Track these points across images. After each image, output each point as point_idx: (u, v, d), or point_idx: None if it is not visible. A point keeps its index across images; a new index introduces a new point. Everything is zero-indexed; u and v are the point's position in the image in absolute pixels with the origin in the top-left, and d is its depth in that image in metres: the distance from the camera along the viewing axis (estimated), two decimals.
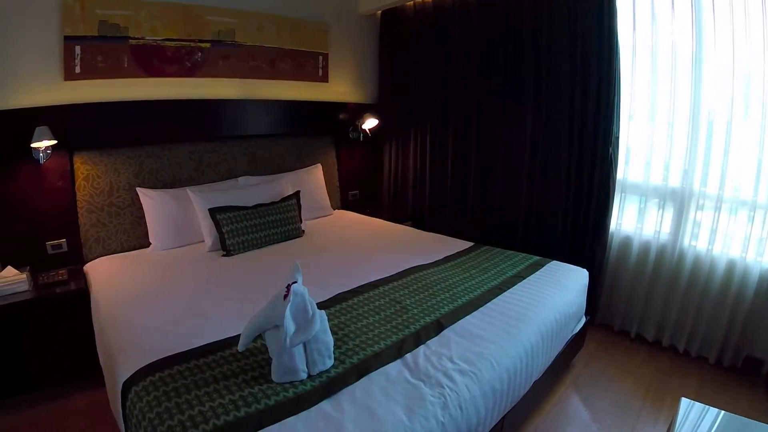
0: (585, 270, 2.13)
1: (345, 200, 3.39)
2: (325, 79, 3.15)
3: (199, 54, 2.50)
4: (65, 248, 2.14)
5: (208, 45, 2.52)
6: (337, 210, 3.22)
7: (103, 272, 2.01)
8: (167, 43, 2.37)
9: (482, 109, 2.88)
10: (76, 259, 2.16)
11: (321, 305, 1.59)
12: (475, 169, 2.98)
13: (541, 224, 2.68)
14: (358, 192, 3.49)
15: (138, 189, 2.26)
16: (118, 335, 1.49)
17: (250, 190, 2.52)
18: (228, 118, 2.63)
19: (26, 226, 2.02)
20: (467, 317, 1.61)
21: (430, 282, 1.89)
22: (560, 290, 1.88)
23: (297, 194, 2.62)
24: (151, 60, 2.33)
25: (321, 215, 2.98)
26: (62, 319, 1.86)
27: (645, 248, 2.38)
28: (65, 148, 2.06)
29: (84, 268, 2.12)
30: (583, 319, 2.10)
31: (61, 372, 1.89)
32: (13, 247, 1.99)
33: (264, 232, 2.33)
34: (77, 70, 2.09)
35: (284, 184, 2.68)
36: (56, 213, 2.10)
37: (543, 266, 2.10)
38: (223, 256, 2.20)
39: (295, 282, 1.25)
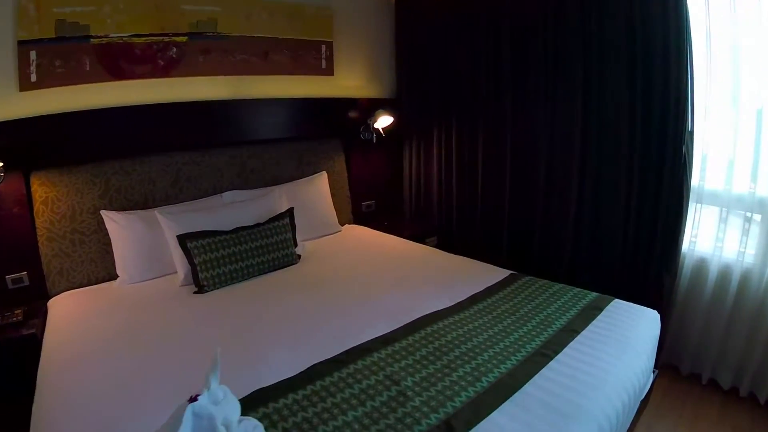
0: (655, 312, 1.87)
1: (358, 213, 3.28)
2: (329, 71, 3.05)
3: (175, 50, 2.46)
4: (27, 282, 2.13)
5: (184, 39, 2.47)
6: (347, 225, 3.12)
7: (61, 313, 1.97)
8: (136, 39, 2.32)
9: (517, 104, 2.70)
10: (40, 293, 2.15)
11: (286, 385, 1.38)
12: (512, 176, 2.78)
13: (596, 244, 2.49)
14: (373, 203, 3.38)
15: (102, 212, 2.23)
16: (48, 405, 1.37)
17: (237, 209, 2.45)
18: (210, 123, 2.56)
19: None
20: (493, 414, 1.26)
21: (447, 342, 1.61)
22: (627, 352, 1.58)
23: (290, 212, 2.51)
24: (118, 60, 2.30)
25: (327, 233, 2.88)
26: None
27: (725, 274, 2.20)
28: (20, 168, 2.06)
29: (48, 303, 2.10)
30: (651, 378, 1.83)
31: None
32: None
33: (245, 262, 2.23)
34: (33, 78, 2.08)
35: (278, 199, 2.60)
36: (14, 243, 2.09)
37: (602, 309, 1.84)
38: (195, 293, 2.11)
39: (201, 394, 0.95)
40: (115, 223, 2.24)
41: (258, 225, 2.36)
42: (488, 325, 1.77)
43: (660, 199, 2.22)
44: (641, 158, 2.25)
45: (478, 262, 2.45)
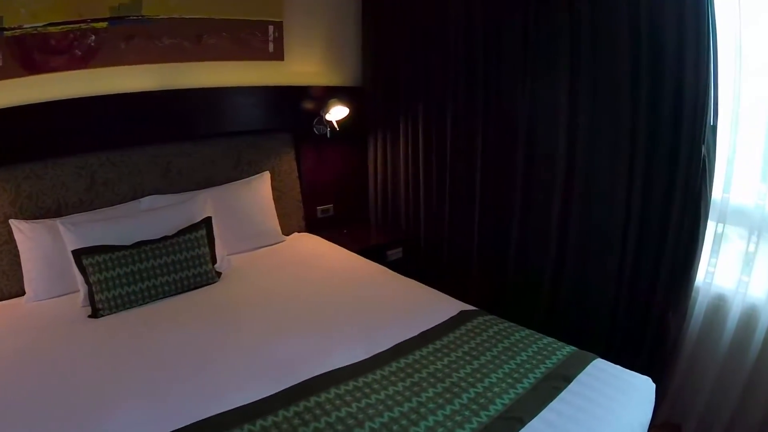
0: (648, 381, 1.67)
1: (312, 219, 3.34)
2: (278, 56, 3.07)
3: (93, 38, 2.52)
4: None
5: (104, 24, 2.52)
6: (295, 234, 3.19)
7: None
8: (51, 29, 2.40)
9: (491, 93, 2.63)
10: None
11: None
12: (482, 183, 2.75)
13: (584, 271, 2.37)
14: (331, 207, 3.42)
15: (11, 221, 2.35)
16: None
17: (152, 218, 2.53)
18: (130, 118, 2.63)
19: None
20: None
21: (331, 424, 1.40)
22: None
23: (206, 222, 2.57)
24: (32, 53, 2.38)
25: (265, 245, 2.95)
26: None
27: (750, 317, 2.01)
28: None
29: None
30: None
31: None
32: None
33: (147, 283, 2.29)
34: None
35: (202, 206, 2.66)
36: None
37: (572, 378, 1.62)
38: (90, 317, 2.19)
39: None
40: (22, 233, 2.35)
41: (165, 238, 2.42)
42: (398, 398, 1.53)
43: (669, 215, 2.04)
44: (646, 160, 2.08)
45: (431, 290, 2.40)
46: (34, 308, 2.34)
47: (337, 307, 2.24)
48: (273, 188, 3.11)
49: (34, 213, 2.49)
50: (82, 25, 2.51)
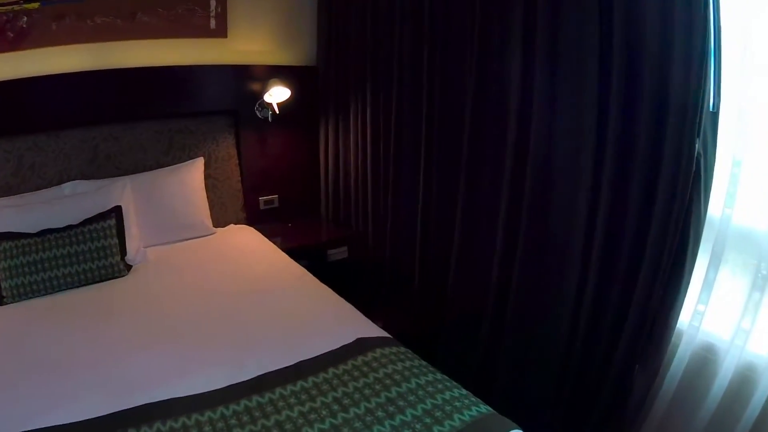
0: None
1: (254, 210, 3.57)
2: (221, 32, 3.27)
3: (25, 19, 2.83)
4: None
5: (36, 5, 2.82)
6: (231, 226, 3.46)
7: None
8: None
9: (435, 72, 2.65)
10: None
11: None
12: (425, 178, 2.79)
13: (531, 297, 2.24)
14: (276, 198, 3.64)
15: None
16: None
17: (70, 205, 2.87)
18: (57, 100, 2.97)
19: None
20: None
21: None
22: None
23: (116, 211, 2.85)
24: None
25: (191, 236, 3.22)
26: None
27: (745, 377, 1.74)
28: None
29: None
30: None
31: None
32: None
33: (51, 273, 2.63)
34: None
35: (120, 193, 2.95)
36: None
37: None
38: None
39: None
40: None
41: (69, 227, 2.74)
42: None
43: (645, 234, 1.76)
44: (617, 157, 1.82)
45: (342, 305, 2.46)
46: None
47: (224, 318, 2.38)
48: (208, 176, 3.39)
49: None
50: (14, 6, 2.83)
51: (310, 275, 2.81)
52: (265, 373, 1.86)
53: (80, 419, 1.63)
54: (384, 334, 2.16)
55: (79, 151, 3.15)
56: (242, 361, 1.96)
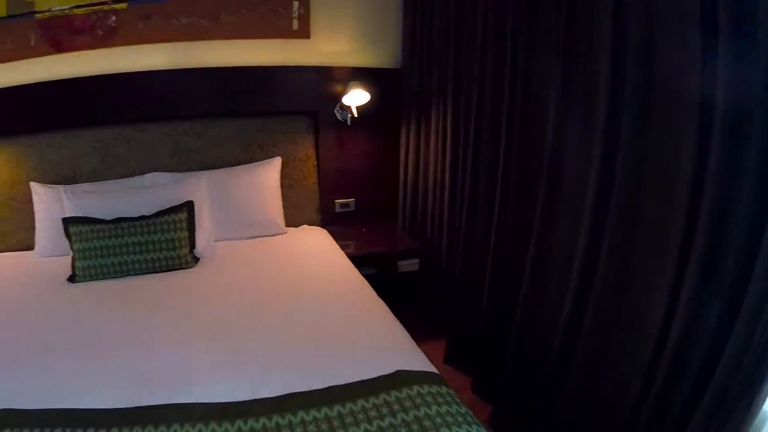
0: None
1: (328, 212, 3.54)
2: (304, 33, 3.30)
3: (114, 18, 3.06)
4: None
5: (124, 5, 3.04)
6: (304, 227, 3.45)
7: None
8: (76, 11, 3.01)
9: (522, 89, 2.40)
10: None
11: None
12: (502, 192, 2.58)
13: (600, 347, 2.02)
14: (353, 202, 3.59)
15: (31, 183, 3.06)
16: None
17: (150, 195, 3.01)
18: (142, 96, 3.15)
19: None
20: None
21: None
22: None
23: (188, 205, 2.94)
24: (59, 33, 3.01)
25: (261, 235, 3.25)
26: None
27: None
28: None
29: None
30: None
31: None
32: None
33: (121, 258, 2.76)
34: None
35: (196, 187, 3.05)
36: None
37: None
38: (68, 280, 2.77)
39: None
40: (37, 196, 3.07)
41: (143, 218, 2.86)
42: None
43: (749, 276, 1.43)
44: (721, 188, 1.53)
45: (394, 326, 2.23)
46: (39, 262, 3.04)
47: (267, 324, 2.30)
48: (284, 176, 3.41)
49: (53, 178, 3.18)
50: (104, 6, 3.07)
51: (369, 289, 2.66)
52: (292, 393, 1.78)
53: (105, 407, 1.69)
54: (429, 367, 1.94)
55: (161, 145, 3.31)
56: (271, 374, 1.89)
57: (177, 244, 2.89)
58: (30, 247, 3.18)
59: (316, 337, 2.14)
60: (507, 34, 2.45)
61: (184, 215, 2.95)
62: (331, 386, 1.80)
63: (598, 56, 1.94)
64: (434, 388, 1.77)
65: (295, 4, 3.28)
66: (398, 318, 2.36)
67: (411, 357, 1.99)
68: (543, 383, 2.27)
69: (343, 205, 3.63)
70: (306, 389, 1.77)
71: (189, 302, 2.52)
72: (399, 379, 1.83)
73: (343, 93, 3.30)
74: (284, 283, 2.70)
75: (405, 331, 2.23)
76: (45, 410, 1.68)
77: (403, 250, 3.31)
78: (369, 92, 3.23)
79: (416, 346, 2.10)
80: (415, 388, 1.76)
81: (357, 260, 3.00)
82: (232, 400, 1.73)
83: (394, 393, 1.74)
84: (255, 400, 1.73)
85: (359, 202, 3.65)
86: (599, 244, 1.96)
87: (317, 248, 3.19)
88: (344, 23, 3.41)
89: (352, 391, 1.77)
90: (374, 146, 3.57)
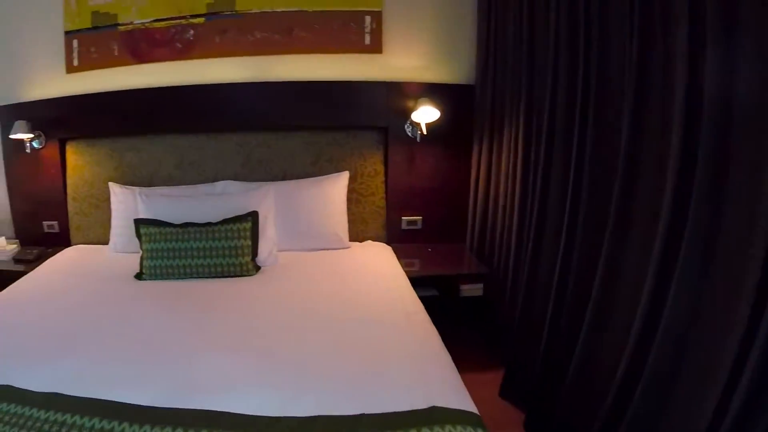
0: None
1: (395, 228, 3.51)
2: (376, 48, 3.33)
3: (192, 32, 3.26)
4: (57, 229, 3.50)
5: (201, 20, 3.24)
6: (368, 243, 3.44)
7: (56, 260, 3.16)
8: (156, 24, 3.24)
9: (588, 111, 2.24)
10: (64, 241, 3.48)
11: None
12: (568, 225, 2.39)
13: (655, 411, 1.83)
14: (420, 219, 3.53)
15: (110, 184, 3.32)
16: None
17: (219, 203, 3.12)
18: (218, 107, 3.30)
19: (29, 207, 3.49)
20: None
21: None
22: None
23: (252, 215, 3.00)
24: (140, 45, 3.25)
25: (324, 248, 3.26)
26: None
27: None
28: (57, 137, 3.35)
29: (62, 251, 3.36)
30: None
31: None
32: (20, 222, 3.52)
33: (186, 261, 2.88)
34: (75, 62, 3.29)
35: (263, 198, 3.13)
36: (50, 197, 3.45)
37: None
38: (135, 277, 2.93)
39: None
40: (115, 195, 3.31)
41: (209, 224, 2.96)
42: None
43: None
44: None
45: (444, 359, 2.07)
46: (111, 257, 3.28)
47: (310, 339, 2.23)
48: (351, 190, 3.43)
49: (131, 180, 3.40)
50: (182, 20, 3.27)
51: (423, 313, 2.53)
52: (318, 416, 1.72)
53: (141, 403, 1.74)
54: (469, 405, 1.81)
55: (234, 154, 3.44)
56: (304, 391, 1.85)
57: (240, 251, 2.96)
58: (106, 241, 3.43)
59: (358, 359, 2.07)
60: (579, 51, 2.31)
61: (248, 224, 3.01)
62: (361, 414, 1.73)
63: (676, 75, 1.75)
64: (468, 430, 1.66)
65: (368, 18, 3.32)
66: (457, 344, 2.25)
67: (452, 392, 1.87)
68: (597, 429, 2.08)
69: (410, 222, 3.57)
70: (336, 413, 1.72)
71: (242, 310, 2.55)
72: (433, 415, 1.72)
73: (414, 109, 3.25)
74: (338, 299, 2.67)
75: (452, 363, 2.10)
76: (86, 399, 1.76)
77: (467, 274, 3.18)
78: (440, 109, 3.17)
79: (460, 381, 1.96)
80: (448, 427, 1.66)
81: (418, 281, 2.92)
82: (260, 413, 1.71)
83: (425, 430, 1.64)
84: (281, 417, 1.71)
85: (427, 220, 3.58)
86: (667, 287, 1.77)
87: (378, 265, 3.14)
88: (417, 38, 3.39)
89: (381, 422, 1.70)
90: (445, 163, 3.50)
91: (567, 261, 2.39)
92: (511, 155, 3.03)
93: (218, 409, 1.72)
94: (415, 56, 3.41)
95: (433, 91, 3.28)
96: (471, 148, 3.43)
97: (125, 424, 1.65)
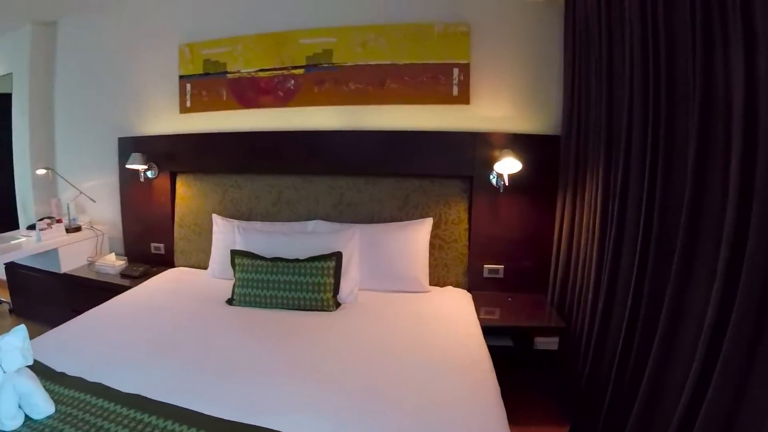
0: None
1: (476, 276, 3.56)
2: (464, 99, 3.47)
3: (292, 82, 3.60)
4: (163, 251, 3.96)
5: (301, 71, 3.58)
6: (448, 288, 3.52)
7: (158, 280, 3.56)
8: (261, 73, 3.61)
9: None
10: (170, 262, 3.93)
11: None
12: (635, 285, 2.33)
13: None
14: (502, 268, 3.56)
15: (213, 215, 3.70)
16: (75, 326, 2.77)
17: (309, 240, 3.37)
18: (315, 151, 3.58)
19: (140, 228, 3.99)
20: None
21: None
22: None
23: (337, 255, 3.19)
24: (246, 91, 3.64)
25: (404, 290, 3.38)
26: (92, 301, 3.15)
27: None
28: (168, 170, 3.82)
29: (165, 271, 3.79)
30: None
31: None
32: (129, 242, 4.04)
33: (273, 292, 3.12)
34: (188, 104, 3.74)
35: (350, 239, 3.34)
36: (159, 222, 3.93)
37: None
38: (226, 302, 3.20)
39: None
40: (217, 226, 3.68)
41: (296, 260, 3.20)
42: None
43: None
44: None
45: (498, 415, 2.11)
46: (208, 281, 3.62)
47: (371, 383, 2.29)
48: (435, 236, 3.55)
49: (232, 213, 3.77)
50: (284, 71, 3.62)
51: (488, 363, 2.56)
52: None
53: (211, 414, 1.96)
54: None
55: (326, 196, 3.70)
56: (356, 423, 1.98)
57: (322, 288, 3.17)
58: (205, 266, 3.81)
59: (412, 404, 2.13)
60: (649, 113, 2.34)
61: (332, 263, 3.21)
62: None
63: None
64: None
65: (455, 71, 3.48)
66: (527, 396, 2.30)
67: None
68: None
69: (491, 270, 3.62)
70: None
71: (318, 342, 2.73)
72: None
73: (499, 159, 3.34)
74: (408, 340, 2.78)
75: (505, 418, 2.12)
76: (166, 403, 1.99)
77: (542, 327, 3.19)
78: (524, 158, 3.26)
79: None
80: None
81: (493, 330, 3.00)
82: None
83: None
84: None
85: (508, 269, 3.60)
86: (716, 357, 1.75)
87: (453, 312, 3.20)
88: (504, 89, 3.50)
89: None
90: (529, 213, 3.53)
91: (632, 326, 2.39)
92: (592, 208, 3.03)
93: (281, 430, 1.88)
94: (501, 106, 3.51)
95: (518, 141, 3.39)
96: (556, 198, 3.45)
97: (193, 429, 1.87)
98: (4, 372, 1.91)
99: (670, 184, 2.21)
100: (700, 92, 1.94)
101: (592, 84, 3.01)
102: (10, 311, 4.61)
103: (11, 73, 4.83)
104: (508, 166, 3.28)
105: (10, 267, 4.37)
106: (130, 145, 3.99)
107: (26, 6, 4.21)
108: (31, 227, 4.14)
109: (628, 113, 2.52)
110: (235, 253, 3.35)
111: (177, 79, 3.90)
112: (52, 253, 3.95)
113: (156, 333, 2.72)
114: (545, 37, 3.43)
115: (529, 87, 3.49)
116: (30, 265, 4.17)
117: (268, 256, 3.28)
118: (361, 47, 3.54)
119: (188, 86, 3.86)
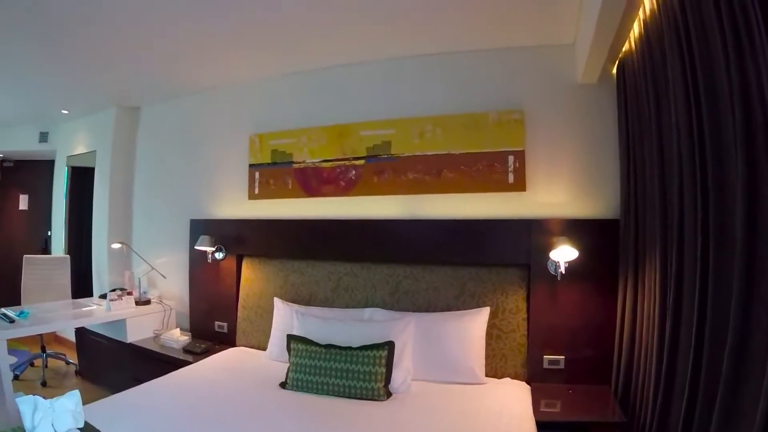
0: None
1: (536, 366, 3.46)
2: (519, 186, 3.52)
3: (353, 172, 3.82)
4: (226, 330, 4.17)
5: (362, 162, 3.80)
6: (506, 380, 3.43)
7: (217, 359, 3.76)
8: (324, 164, 3.86)
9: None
10: (231, 341, 4.13)
11: None
12: (691, 380, 2.20)
13: None
14: (562, 359, 3.45)
15: (275, 299, 3.88)
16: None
17: (365, 327, 3.43)
18: (374, 240, 3.73)
19: (205, 306, 4.24)
20: None
21: None
22: None
23: (389, 345, 3.22)
24: (310, 180, 3.90)
25: (458, 382, 3.32)
26: (153, 372, 3.46)
27: None
28: (235, 252, 4.09)
29: (227, 350, 3.99)
30: None
31: None
32: (195, 318, 4.31)
33: (325, 378, 3.18)
34: (256, 191, 4.04)
35: (404, 328, 3.37)
36: (224, 302, 4.18)
37: None
38: (279, 384, 3.29)
39: None
40: (277, 309, 3.86)
41: (349, 348, 3.27)
42: None
43: None
44: None
45: None
46: (266, 363, 3.76)
47: None
48: (492, 326, 3.53)
49: (293, 297, 3.94)
50: (345, 162, 3.85)
51: None
52: None
53: None
54: None
55: (383, 284, 3.81)
56: None
57: (373, 377, 3.20)
58: (264, 347, 3.96)
59: None
60: (697, 204, 2.27)
61: (384, 353, 3.25)
62: None
63: None
64: None
65: (511, 158, 3.56)
66: None
67: None
68: None
69: (551, 361, 3.51)
70: None
71: None
72: None
73: (556, 245, 3.32)
74: None
75: None
76: None
77: (600, 422, 3.05)
78: (583, 244, 3.25)
79: None
80: None
81: (549, 426, 2.91)
82: None
83: None
84: None
85: (569, 360, 3.48)
86: None
87: (509, 406, 3.10)
88: (559, 174, 3.52)
89: None
90: (590, 300, 3.44)
91: (688, 425, 2.27)
92: (651, 296, 2.93)
93: None
94: (557, 192, 3.53)
95: (575, 227, 3.38)
96: (617, 284, 3.35)
97: None
98: None
99: (721, 271, 2.12)
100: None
101: (647, 166, 2.97)
102: (76, 372, 5.05)
103: (95, 151, 5.46)
104: (564, 253, 3.26)
105: (80, 331, 4.82)
106: (201, 227, 4.37)
107: (118, 93, 4.84)
108: (103, 296, 4.54)
109: (679, 196, 2.47)
110: (291, 338, 3.47)
111: (247, 167, 4.26)
112: (121, 323, 4.31)
113: (208, 410, 2.87)
114: (599, 119, 3.47)
115: (584, 171, 3.50)
116: (99, 332, 4.55)
117: (322, 342, 3.37)
118: (419, 138, 3.72)
119: (257, 174, 4.18)
